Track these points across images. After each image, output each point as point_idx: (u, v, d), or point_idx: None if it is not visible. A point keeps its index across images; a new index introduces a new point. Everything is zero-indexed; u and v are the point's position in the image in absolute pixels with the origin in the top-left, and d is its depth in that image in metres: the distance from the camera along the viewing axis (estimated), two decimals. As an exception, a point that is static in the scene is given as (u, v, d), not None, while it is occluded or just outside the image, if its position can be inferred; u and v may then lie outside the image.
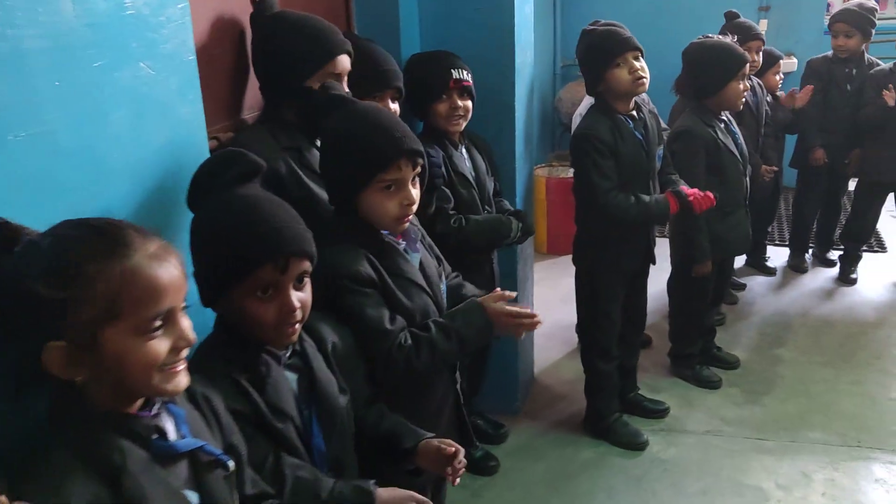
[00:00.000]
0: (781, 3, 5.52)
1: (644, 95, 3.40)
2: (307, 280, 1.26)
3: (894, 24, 6.58)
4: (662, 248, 2.89)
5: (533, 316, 1.64)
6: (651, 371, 3.28)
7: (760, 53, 3.66)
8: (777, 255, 4.45)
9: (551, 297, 3.79)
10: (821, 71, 3.97)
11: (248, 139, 1.72)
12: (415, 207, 1.60)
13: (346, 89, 1.77)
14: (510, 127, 2.69)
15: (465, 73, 2.38)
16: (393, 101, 2.20)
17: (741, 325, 3.70)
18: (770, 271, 4.28)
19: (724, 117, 2.97)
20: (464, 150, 2.48)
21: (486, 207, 2.50)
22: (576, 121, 3.38)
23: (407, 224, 1.61)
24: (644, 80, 2.47)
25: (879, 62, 3.98)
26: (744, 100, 2.91)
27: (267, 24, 1.79)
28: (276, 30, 1.76)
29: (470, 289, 1.85)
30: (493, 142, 2.64)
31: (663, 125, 3.19)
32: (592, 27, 2.58)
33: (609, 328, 2.73)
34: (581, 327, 2.84)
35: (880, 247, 4.52)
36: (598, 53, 2.51)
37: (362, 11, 2.46)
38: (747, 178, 3.03)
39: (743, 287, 4.06)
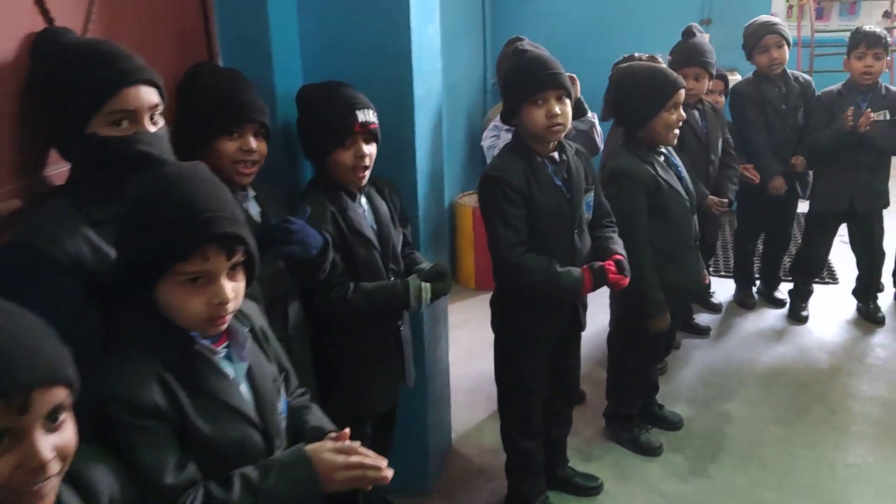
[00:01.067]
0: (723, 17, 5.24)
1: (592, 117, 3.08)
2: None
3: (839, 37, 6.42)
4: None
5: (379, 468, 1.22)
6: (583, 433, 2.90)
7: (705, 81, 3.29)
8: (722, 290, 4.14)
9: (478, 341, 3.38)
10: (751, 94, 3.66)
11: (39, 221, 1.31)
12: (232, 305, 1.21)
13: (157, 132, 1.37)
14: (410, 167, 2.29)
15: (370, 113, 1.98)
16: (257, 139, 1.79)
17: (684, 373, 3.35)
18: (715, 308, 3.96)
19: (662, 150, 2.61)
20: (363, 201, 2.08)
21: (392, 266, 2.10)
22: (488, 153, 3.00)
23: (223, 325, 1.24)
24: (559, 127, 2.09)
25: (806, 77, 3.69)
26: (676, 132, 2.54)
27: (48, 57, 1.35)
28: (55, 63, 1.33)
29: (315, 417, 1.43)
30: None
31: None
32: (522, 48, 2.19)
33: (531, 401, 2.34)
34: (500, 399, 2.45)
35: (831, 278, 4.23)
36: (517, 84, 2.13)
37: (227, 37, 2.03)
38: (695, 217, 2.68)
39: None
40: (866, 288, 3.80)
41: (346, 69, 2.12)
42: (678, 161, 2.67)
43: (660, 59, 3.20)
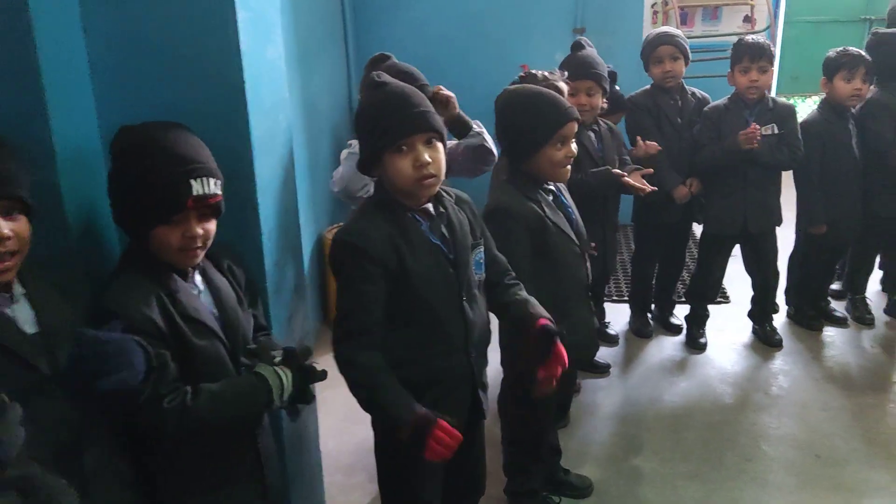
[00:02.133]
0: (597, 25, 5.01)
1: (479, 126, 2.66)
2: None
3: (704, 43, 6.40)
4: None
5: None
6: (484, 513, 2.50)
7: (598, 96, 2.97)
8: (616, 316, 3.86)
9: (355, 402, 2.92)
10: (648, 105, 3.40)
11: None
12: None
13: None
14: (254, 227, 1.80)
15: (211, 183, 1.49)
16: (9, 218, 1.30)
17: (588, 425, 3.01)
18: (612, 339, 3.67)
19: (551, 186, 2.25)
20: (198, 280, 1.59)
21: (244, 360, 1.62)
22: (344, 168, 2.55)
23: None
24: (431, 180, 1.69)
25: (704, 93, 3.48)
26: (567, 168, 2.18)
27: None
28: None
29: None
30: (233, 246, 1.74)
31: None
32: (380, 81, 1.73)
33: (421, 506, 1.90)
34: (383, 499, 1.99)
35: (723, 297, 4.05)
36: (375, 128, 1.69)
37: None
38: (587, 264, 2.32)
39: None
40: (762, 310, 3.62)
41: (155, 108, 1.61)
42: (569, 200, 2.32)
43: (557, 75, 2.85)
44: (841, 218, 3.46)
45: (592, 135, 3.01)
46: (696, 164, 3.35)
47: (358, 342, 1.68)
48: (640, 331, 3.73)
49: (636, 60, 5.16)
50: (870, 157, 3.45)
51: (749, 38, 3.27)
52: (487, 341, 1.90)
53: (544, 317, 1.83)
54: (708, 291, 3.61)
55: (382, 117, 1.68)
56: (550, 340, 1.79)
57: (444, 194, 1.83)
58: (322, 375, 1.64)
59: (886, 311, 3.82)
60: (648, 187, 2.85)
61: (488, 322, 1.89)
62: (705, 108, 3.37)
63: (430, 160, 1.67)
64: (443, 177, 1.74)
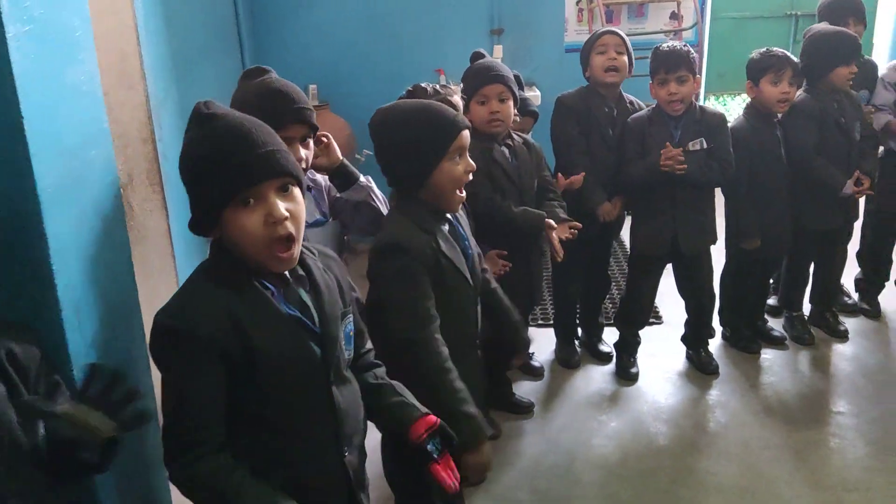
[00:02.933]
0: (516, 26, 4.69)
1: (368, 181, 2.24)
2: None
3: (631, 41, 6.17)
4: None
5: None
6: None
7: (510, 103, 2.64)
8: (542, 342, 3.54)
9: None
10: (578, 109, 3.08)
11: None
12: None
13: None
14: (48, 299, 1.38)
15: None
16: None
17: (508, 480, 2.67)
18: (536, 372, 3.35)
19: (450, 217, 1.91)
20: None
21: None
22: None
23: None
24: (285, 238, 1.34)
25: (640, 103, 3.18)
26: (461, 194, 1.84)
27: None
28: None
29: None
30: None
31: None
32: (208, 113, 1.35)
33: None
34: None
35: (655, 317, 3.77)
36: (207, 178, 1.33)
37: None
38: (479, 308, 1.99)
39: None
40: (696, 334, 3.35)
41: None
42: (466, 231, 1.98)
43: (452, 88, 2.50)
44: (773, 230, 3.20)
45: (506, 150, 2.69)
46: (621, 181, 3.06)
47: (195, 454, 1.30)
48: (567, 360, 3.41)
49: (558, 63, 4.89)
50: (795, 166, 3.21)
51: (665, 46, 2.98)
52: (363, 431, 1.54)
53: (427, 414, 1.49)
54: (638, 317, 3.31)
55: (216, 162, 1.29)
56: (427, 461, 1.47)
57: (306, 251, 1.45)
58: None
59: (811, 322, 3.60)
60: (561, 256, 2.65)
61: (362, 407, 1.52)
62: (628, 120, 3.07)
63: (285, 214, 1.30)
64: (302, 231, 1.37)
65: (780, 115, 3.17)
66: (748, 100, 3.19)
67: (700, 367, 3.32)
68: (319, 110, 4.34)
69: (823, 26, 3.28)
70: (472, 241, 2.00)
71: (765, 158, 3.14)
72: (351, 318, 1.50)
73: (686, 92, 2.89)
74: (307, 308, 1.41)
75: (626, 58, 3.02)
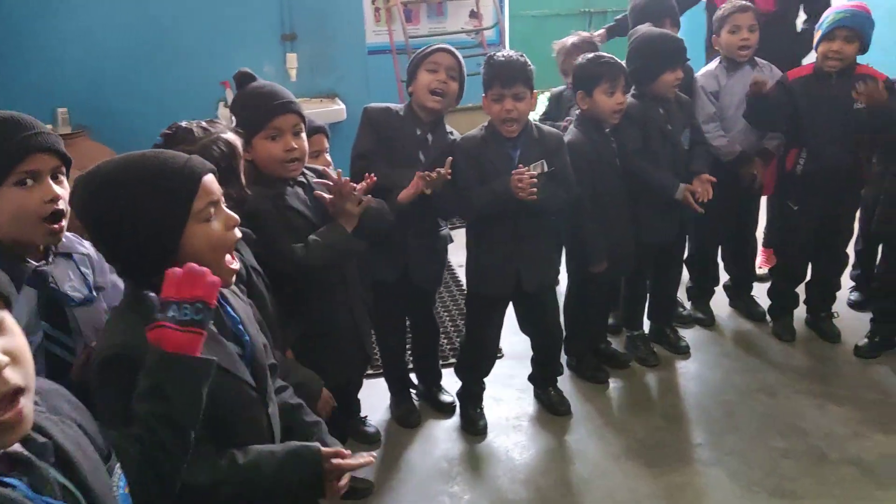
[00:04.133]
0: (311, 30, 4.14)
1: None
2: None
3: (434, 41, 5.86)
4: None
5: None
6: None
7: (302, 139, 2.14)
8: (375, 396, 3.08)
9: None
10: (383, 126, 2.64)
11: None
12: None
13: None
14: None
15: None
16: None
17: None
18: (371, 439, 2.87)
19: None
20: None
21: None
22: None
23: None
24: None
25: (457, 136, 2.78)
26: (234, 265, 1.37)
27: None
28: None
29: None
30: None
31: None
32: None
33: None
34: None
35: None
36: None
37: None
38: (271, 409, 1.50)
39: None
40: (545, 373, 3.04)
41: None
42: (241, 314, 1.51)
43: (222, 124, 1.94)
44: (618, 249, 2.96)
45: (301, 190, 2.22)
46: (461, 212, 2.66)
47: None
48: (405, 419, 2.97)
49: (362, 68, 4.42)
50: (628, 176, 2.99)
51: (500, 55, 2.60)
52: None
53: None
54: (483, 364, 2.94)
55: None
56: None
57: None
58: None
59: (652, 339, 3.44)
60: None
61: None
62: (458, 141, 2.68)
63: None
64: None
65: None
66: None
67: (551, 409, 3.01)
68: (72, 139, 3.55)
69: (647, 28, 3.07)
70: (252, 325, 1.51)
71: (604, 173, 2.88)
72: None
73: (524, 110, 2.54)
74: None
75: (457, 84, 2.63)
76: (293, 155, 2.09)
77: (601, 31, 3.85)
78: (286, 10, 4.06)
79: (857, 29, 3.02)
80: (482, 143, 2.62)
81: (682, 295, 3.71)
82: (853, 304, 3.69)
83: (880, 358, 3.28)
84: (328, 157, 2.63)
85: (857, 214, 3.45)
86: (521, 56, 2.58)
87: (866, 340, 3.32)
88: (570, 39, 2.99)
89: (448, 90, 2.61)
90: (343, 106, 4.05)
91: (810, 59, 3.68)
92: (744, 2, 3.27)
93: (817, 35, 3.10)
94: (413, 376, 3.12)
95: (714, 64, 3.35)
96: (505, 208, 2.54)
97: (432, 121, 2.67)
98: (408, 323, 3.00)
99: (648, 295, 3.41)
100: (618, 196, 2.94)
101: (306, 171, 2.25)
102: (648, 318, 3.47)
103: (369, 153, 2.61)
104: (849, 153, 3.14)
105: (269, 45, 4.04)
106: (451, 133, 2.74)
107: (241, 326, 1.47)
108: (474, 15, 5.97)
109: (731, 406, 3.02)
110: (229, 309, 1.48)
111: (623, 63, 2.83)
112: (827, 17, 3.06)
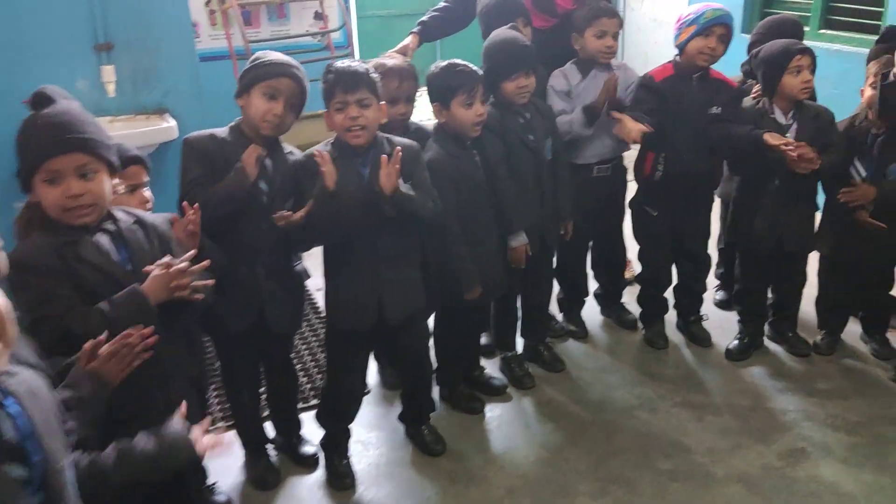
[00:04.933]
0: (131, 40, 3.63)
1: None
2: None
3: (276, 46, 5.48)
4: None
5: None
6: None
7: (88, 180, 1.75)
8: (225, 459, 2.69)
9: None
10: (213, 154, 2.28)
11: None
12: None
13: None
14: None
15: None
16: None
17: None
18: (225, 508, 2.50)
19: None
20: None
21: None
22: None
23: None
24: None
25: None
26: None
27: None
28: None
29: None
30: None
31: None
32: None
33: None
34: None
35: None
36: None
37: None
38: None
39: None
40: (417, 411, 2.77)
41: None
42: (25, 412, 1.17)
43: None
44: (488, 269, 2.73)
45: (106, 238, 1.82)
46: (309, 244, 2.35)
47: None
48: (261, 480, 2.61)
49: (193, 79, 3.96)
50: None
51: (339, 64, 2.30)
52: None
53: None
54: (346, 408, 2.62)
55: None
56: None
57: None
58: None
59: (526, 358, 3.25)
60: None
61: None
62: (302, 158, 2.37)
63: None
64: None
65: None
66: (434, 131, 2.68)
67: (426, 450, 2.75)
68: None
69: (499, 32, 2.86)
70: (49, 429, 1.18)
71: (471, 189, 2.64)
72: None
73: (371, 117, 2.25)
74: None
75: (293, 116, 2.33)
76: (79, 202, 1.70)
77: (408, 38, 3.53)
78: (99, 18, 3.53)
79: (732, 29, 2.96)
80: (334, 161, 2.30)
81: (553, 307, 3.56)
82: (720, 304, 3.68)
83: (751, 359, 3.26)
84: (147, 192, 2.24)
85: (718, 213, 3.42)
86: (362, 65, 2.30)
87: (736, 342, 3.30)
88: (386, 61, 2.69)
89: (284, 123, 2.30)
90: (174, 123, 3.58)
91: (658, 53, 3.64)
92: (609, 5, 3.17)
93: (688, 31, 2.99)
94: (270, 426, 2.76)
95: (568, 64, 3.19)
96: (362, 224, 2.26)
97: (267, 143, 2.33)
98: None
99: (521, 313, 3.23)
100: (485, 213, 2.71)
101: (118, 214, 1.86)
102: (522, 336, 3.29)
103: (201, 178, 2.25)
104: (706, 157, 3.08)
105: (80, 58, 3.49)
106: (292, 153, 2.42)
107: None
108: (319, 16, 5.63)
109: (613, 427, 2.88)
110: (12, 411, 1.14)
111: (479, 71, 2.60)
112: (701, 12, 2.95)
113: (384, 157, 2.21)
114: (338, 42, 5.60)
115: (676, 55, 3.09)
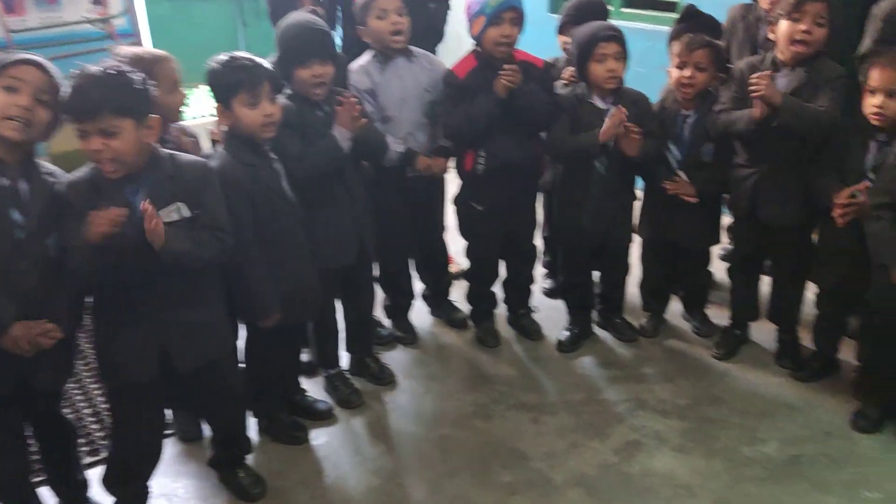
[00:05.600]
0: None
1: None
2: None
3: (47, 35, 4.85)
4: None
5: None
6: None
7: None
8: None
9: None
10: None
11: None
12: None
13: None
14: None
15: None
16: None
17: None
18: None
19: None
20: None
21: None
22: None
23: None
24: None
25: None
26: None
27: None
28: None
29: None
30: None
31: None
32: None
33: None
34: None
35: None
36: None
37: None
38: None
39: None
40: (228, 456, 2.43)
41: None
42: None
43: None
44: (299, 287, 2.44)
45: None
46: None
47: None
48: None
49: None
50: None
51: (72, 82, 1.88)
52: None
53: None
54: (139, 468, 2.24)
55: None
56: None
57: None
58: None
59: (353, 373, 3.01)
60: None
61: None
62: (65, 188, 1.95)
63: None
64: None
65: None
66: (224, 137, 2.33)
67: (243, 495, 2.43)
68: None
69: (294, 15, 2.55)
70: None
71: (271, 199, 2.33)
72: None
73: (117, 148, 1.86)
74: None
75: (47, 112, 1.93)
76: None
77: None
78: None
79: (522, 10, 2.81)
80: (91, 190, 1.91)
81: (380, 313, 3.33)
82: (548, 293, 3.61)
83: (581, 349, 3.20)
84: None
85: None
86: (109, 72, 1.89)
87: (567, 333, 3.23)
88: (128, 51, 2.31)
89: (34, 118, 1.88)
90: None
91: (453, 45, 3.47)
92: None
93: (479, 21, 2.81)
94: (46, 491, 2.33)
95: (366, 58, 2.93)
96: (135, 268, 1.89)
97: (19, 161, 1.90)
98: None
99: (343, 324, 2.97)
100: (291, 226, 2.41)
101: None
102: (346, 349, 3.03)
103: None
104: (527, 146, 2.94)
105: None
106: (52, 174, 2.00)
107: None
108: (98, 2, 5.00)
109: (448, 441, 2.70)
110: None
111: (265, 65, 2.27)
112: (485, 0, 2.77)
113: (147, 207, 1.84)
114: (123, 29, 5.02)
115: (476, 45, 2.91)
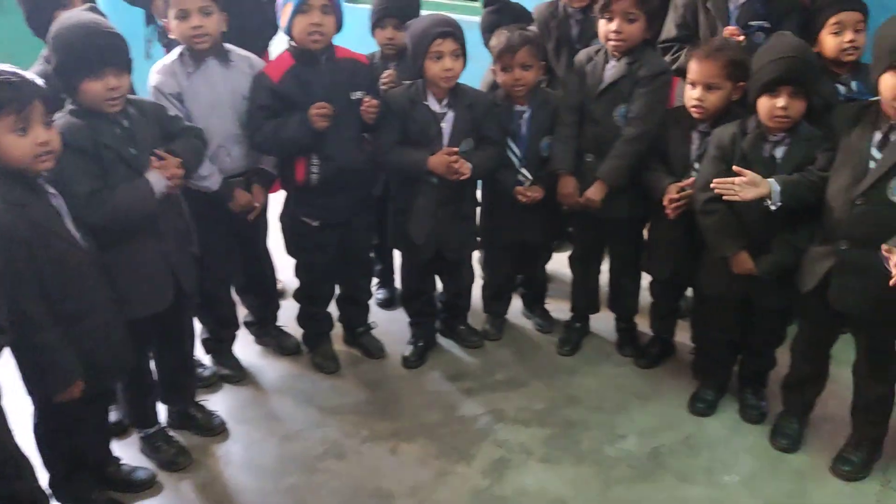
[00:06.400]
0: None
1: None
2: None
3: None
4: None
5: None
6: None
7: None
8: None
9: None
10: None
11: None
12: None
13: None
14: None
15: None
16: None
17: None
18: None
19: None
20: None
21: None
22: None
23: None
24: None
25: None
26: None
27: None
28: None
29: None
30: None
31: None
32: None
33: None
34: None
35: None
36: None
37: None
38: None
39: None
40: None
41: None
42: None
43: None
44: (102, 349, 2.02)
45: None
46: None
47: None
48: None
49: None
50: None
51: None
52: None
53: None
54: None
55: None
56: None
57: None
58: None
59: (177, 428, 2.61)
60: None
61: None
62: None
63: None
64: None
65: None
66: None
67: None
68: None
69: (72, 15, 2.08)
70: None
71: (51, 247, 1.86)
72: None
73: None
74: None
75: None
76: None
77: None
78: None
79: (334, 2, 2.52)
80: None
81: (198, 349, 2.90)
82: (383, 304, 3.36)
83: (429, 362, 3.01)
84: None
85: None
86: None
87: (411, 347, 3.02)
88: None
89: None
90: None
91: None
92: None
93: (287, 10, 2.49)
94: None
95: (171, 57, 2.50)
96: None
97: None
98: None
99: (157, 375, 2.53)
100: (83, 274, 1.95)
101: None
102: (163, 402, 2.59)
103: None
104: (360, 149, 2.68)
105: None
106: None
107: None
108: None
109: (299, 491, 2.38)
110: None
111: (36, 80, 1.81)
112: None
113: None
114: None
115: (290, 40, 2.59)
